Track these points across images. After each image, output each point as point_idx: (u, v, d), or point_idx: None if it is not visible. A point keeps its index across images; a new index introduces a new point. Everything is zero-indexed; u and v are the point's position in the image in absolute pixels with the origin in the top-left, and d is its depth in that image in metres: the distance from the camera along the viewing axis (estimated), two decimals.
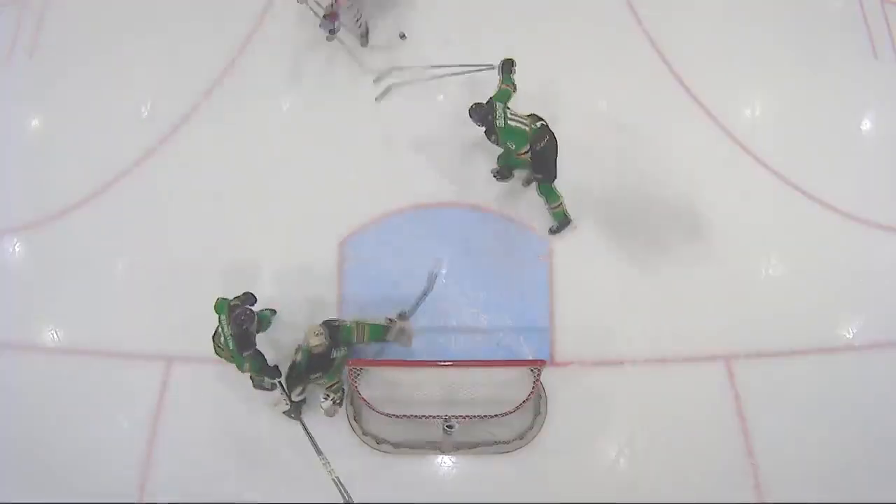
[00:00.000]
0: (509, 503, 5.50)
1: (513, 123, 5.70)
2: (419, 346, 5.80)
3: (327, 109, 6.70)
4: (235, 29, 7.12)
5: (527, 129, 5.71)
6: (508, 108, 5.74)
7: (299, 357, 5.34)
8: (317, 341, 5.17)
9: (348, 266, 6.18)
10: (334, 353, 5.33)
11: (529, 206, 6.31)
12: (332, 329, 5.36)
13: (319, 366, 5.32)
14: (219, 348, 5.41)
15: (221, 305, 5.30)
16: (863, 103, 6.83)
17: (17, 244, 6.48)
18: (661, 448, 5.64)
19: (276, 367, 5.58)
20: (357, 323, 5.50)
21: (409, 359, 5.73)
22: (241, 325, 5.16)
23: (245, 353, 5.24)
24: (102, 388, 5.88)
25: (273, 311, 5.93)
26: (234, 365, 5.33)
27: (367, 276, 6.11)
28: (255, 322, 5.26)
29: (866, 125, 6.77)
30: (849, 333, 5.95)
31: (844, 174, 6.47)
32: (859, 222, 6.28)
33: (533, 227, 6.27)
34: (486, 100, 5.77)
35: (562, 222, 6.19)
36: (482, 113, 5.70)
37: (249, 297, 5.50)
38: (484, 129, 5.78)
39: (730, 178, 6.45)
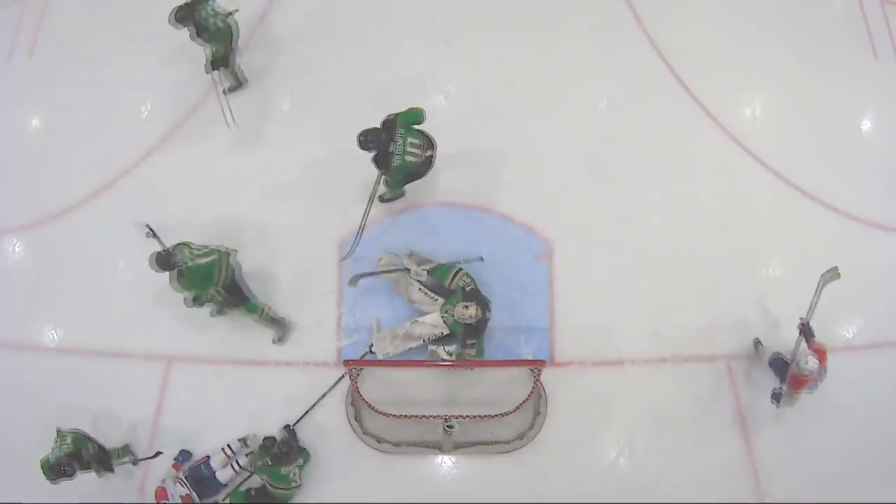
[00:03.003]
0: (509, 503, 5.50)
1: (410, 159, 5.57)
2: (420, 347, 5.80)
3: (328, 109, 6.70)
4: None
5: (417, 160, 5.63)
6: (411, 135, 5.58)
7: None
8: (470, 311, 5.29)
9: (348, 265, 6.17)
10: (488, 315, 5.46)
11: (529, 206, 6.31)
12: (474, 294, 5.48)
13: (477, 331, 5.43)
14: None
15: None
16: (863, 103, 6.83)
17: (17, 244, 6.48)
18: (661, 448, 5.65)
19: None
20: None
21: (409, 359, 5.73)
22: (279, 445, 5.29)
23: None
24: (102, 388, 5.88)
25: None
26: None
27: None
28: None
29: (866, 125, 6.78)
30: (849, 333, 5.96)
31: (844, 174, 6.48)
32: (859, 222, 6.29)
33: (533, 227, 6.27)
34: (385, 121, 5.61)
35: (395, 195, 6.22)
36: (379, 138, 5.52)
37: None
38: (374, 153, 5.57)
39: (730, 178, 6.45)
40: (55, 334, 6.10)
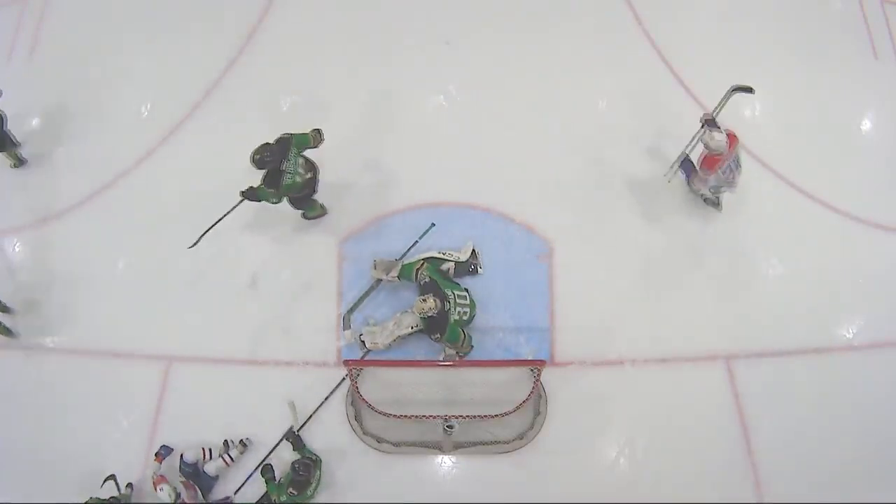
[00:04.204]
0: (509, 503, 5.50)
1: (297, 179, 5.62)
2: (420, 347, 5.81)
3: (327, 110, 6.69)
4: (236, 29, 7.12)
5: (301, 181, 5.67)
6: (300, 158, 5.65)
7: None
8: (428, 304, 5.38)
9: (348, 265, 6.18)
10: (448, 306, 5.47)
11: (529, 206, 6.31)
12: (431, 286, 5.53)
13: (438, 326, 5.49)
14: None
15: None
16: (863, 103, 6.84)
17: (17, 244, 6.48)
18: (661, 448, 5.65)
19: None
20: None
21: (409, 359, 5.74)
22: (298, 472, 5.26)
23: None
24: (102, 388, 5.88)
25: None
26: None
27: (366, 274, 6.10)
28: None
29: (866, 125, 6.79)
30: (849, 333, 5.96)
31: (844, 174, 6.48)
32: (859, 222, 6.29)
33: (533, 227, 6.27)
34: (280, 139, 5.59)
35: (318, 214, 6.28)
36: (276, 155, 5.52)
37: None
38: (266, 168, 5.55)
39: None
40: (55, 334, 6.09)
